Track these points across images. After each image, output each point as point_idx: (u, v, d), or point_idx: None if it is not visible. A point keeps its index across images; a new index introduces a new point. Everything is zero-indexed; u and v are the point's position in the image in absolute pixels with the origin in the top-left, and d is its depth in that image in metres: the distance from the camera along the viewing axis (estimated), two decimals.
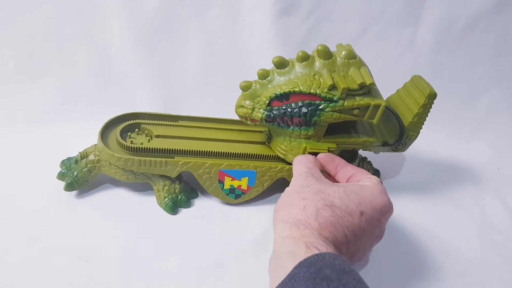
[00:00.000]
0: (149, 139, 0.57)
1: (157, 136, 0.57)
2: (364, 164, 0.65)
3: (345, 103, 0.49)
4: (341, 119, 0.51)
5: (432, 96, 0.53)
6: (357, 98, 0.49)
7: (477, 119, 0.82)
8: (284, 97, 0.49)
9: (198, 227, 0.54)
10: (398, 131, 0.56)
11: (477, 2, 0.75)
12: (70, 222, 0.52)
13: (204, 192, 0.58)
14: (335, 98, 0.49)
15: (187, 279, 0.46)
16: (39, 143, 0.65)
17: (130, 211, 0.55)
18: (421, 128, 0.57)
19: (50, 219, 0.52)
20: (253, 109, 0.51)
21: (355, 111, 0.50)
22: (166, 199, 0.55)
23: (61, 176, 0.56)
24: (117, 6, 0.73)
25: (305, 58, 0.49)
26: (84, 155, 0.56)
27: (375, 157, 0.67)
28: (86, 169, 0.55)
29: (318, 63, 0.49)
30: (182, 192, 0.57)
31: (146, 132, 0.58)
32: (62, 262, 0.46)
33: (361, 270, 0.50)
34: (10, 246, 0.48)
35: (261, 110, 0.51)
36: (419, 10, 0.76)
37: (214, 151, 0.55)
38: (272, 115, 0.51)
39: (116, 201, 0.56)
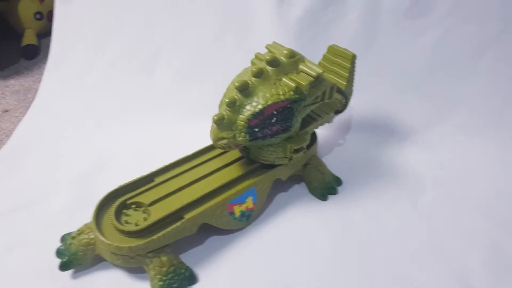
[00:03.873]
0: (143, 210, 0.52)
1: (151, 204, 0.52)
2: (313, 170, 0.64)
3: (311, 96, 0.54)
4: (309, 110, 0.56)
5: (354, 58, 0.62)
6: (316, 87, 0.54)
7: None
8: (259, 114, 0.51)
9: None
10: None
11: None
12: None
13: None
14: (302, 96, 0.52)
15: None
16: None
17: None
18: (353, 86, 0.66)
19: None
20: (234, 136, 0.52)
21: (318, 98, 0.56)
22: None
23: (59, 254, 0.51)
24: None
25: (260, 73, 0.52)
26: (82, 231, 0.51)
27: (335, 165, 0.66)
28: (83, 247, 0.50)
29: (272, 73, 0.53)
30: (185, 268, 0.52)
31: (136, 205, 0.53)
32: None
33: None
34: None
35: (242, 134, 0.52)
36: None
37: (212, 190, 0.54)
38: (254, 134, 0.52)
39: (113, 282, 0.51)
